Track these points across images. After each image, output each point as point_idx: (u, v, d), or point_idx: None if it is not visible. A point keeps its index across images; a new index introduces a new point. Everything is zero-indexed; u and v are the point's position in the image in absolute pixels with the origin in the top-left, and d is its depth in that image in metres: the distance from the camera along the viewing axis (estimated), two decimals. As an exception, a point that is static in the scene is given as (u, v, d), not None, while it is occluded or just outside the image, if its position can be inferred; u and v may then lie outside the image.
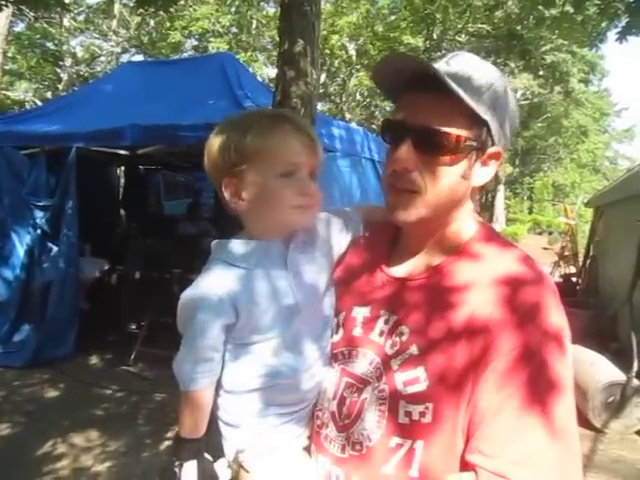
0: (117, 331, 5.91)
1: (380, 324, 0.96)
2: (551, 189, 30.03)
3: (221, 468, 1.04)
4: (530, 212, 29.35)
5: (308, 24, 3.00)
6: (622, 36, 2.99)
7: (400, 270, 1.00)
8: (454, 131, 0.88)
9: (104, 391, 4.59)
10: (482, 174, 0.94)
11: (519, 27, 11.20)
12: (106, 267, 6.58)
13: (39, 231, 5.35)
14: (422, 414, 0.86)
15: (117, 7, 15.58)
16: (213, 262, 1.00)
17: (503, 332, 0.82)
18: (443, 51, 14.37)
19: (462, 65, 0.91)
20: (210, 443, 1.06)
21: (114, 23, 15.86)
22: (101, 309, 6.07)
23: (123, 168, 9.12)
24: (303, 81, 3.00)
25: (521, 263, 0.90)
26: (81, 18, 16.22)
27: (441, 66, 0.91)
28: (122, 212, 9.30)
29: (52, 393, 4.51)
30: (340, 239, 1.10)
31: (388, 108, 17.91)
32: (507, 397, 0.80)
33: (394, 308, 0.96)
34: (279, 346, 0.98)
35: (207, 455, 1.03)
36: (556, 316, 0.85)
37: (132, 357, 5.26)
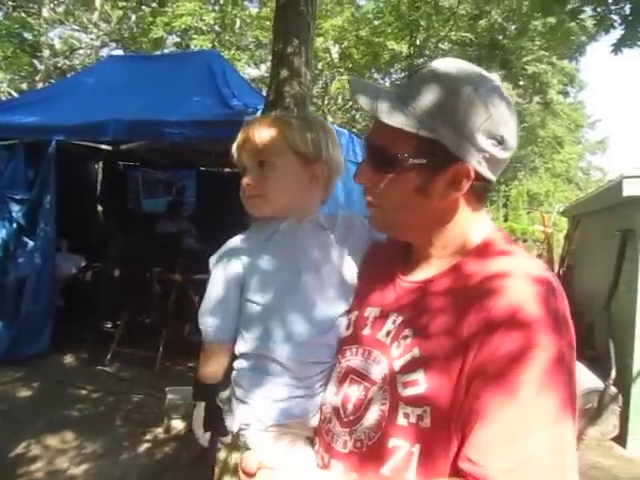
0: (92, 330, 5.79)
1: (388, 325, 0.97)
2: (526, 197, 30.52)
3: (229, 420, 1.13)
4: (505, 220, 29.74)
5: (304, 24, 2.96)
6: (617, 48, 3.04)
7: (413, 275, 1.00)
8: (395, 151, 0.90)
9: (79, 391, 4.48)
10: (449, 191, 0.91)
11: (501, 37, 11.37)
12: (82, 264, 6.45)
13: (15, 225, 5.22)
14: (420, 417, 0.85)
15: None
16: (237, 236, 1.15)
17: (544, 330, 0.80)
18: (425, 58, 14.49)
19: (424, 78, 0.91)
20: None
21: (95, 16, 15.56)
22: (76, 307, 5.94)
23: (101, 163, 8.95)
24: (297, 81, 2.96)
25: (548, 270, 0.89)
26: (61, 9, 15.88)
27: (399, 83, 0.92)
28: (99, 208, 9.13)
29: (25, 392, 4.39)
30: (362, 241, 1.15)
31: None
32: (535, 392, 0.77)
33: (403, 310, 0.96)
34: (282, 313, 1.06)
35: (219, 403, 1.15)
36: (573, 330, 0.86)
37: (108, 357, 5.16)
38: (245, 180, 1.11)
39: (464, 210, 0.95)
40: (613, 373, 4.26)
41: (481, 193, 0.95)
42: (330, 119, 17.03)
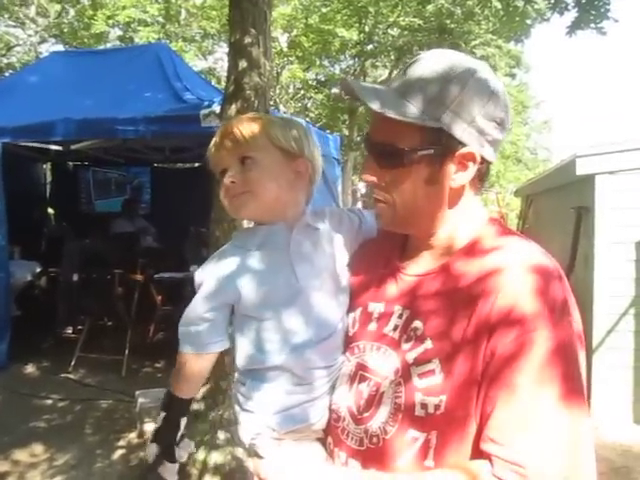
0: (53, 337, 5.60)
1: (394, 319, 0.98)
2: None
3: (184, 444, 1.12)
4: (459, 202, 30.23)
5: (260, 13, 2.91)
6: (572, 30, 3.13)
7: (414, 267, 1.01)
8: (402, 144, 0.90)
9: (45, 401, 4.33)
10: (458, 177, 0.93)
11: (449, 21, 11.50)
12: (38, 270, 6.22)
13: (-37, 234, 4.97)
14: (437, 407, 0.86)
15: (35, -7, 14.66)
16: (224, 246, 1.11)
17: (540, 324, 0.81)
18: (375, 44, 14.53)
19: (418, 71, 0.92)
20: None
21: (32, 10, 14.91)
22: (34, 314, 5.72)
23: (50, 164, 8.63)
24: (256, 72, 2.92)
25: (545, 256, 0.90)
26: (-6, 4, 15.14)
27: (398, 77, 0.95)
28: (50, 211, 8.81)
29: (-13, 407, 4.20)
30: (351, 236, 1.14)
31: (320, 98, 17.98)
32: (535, 387, 0.80)
33: (408, 303, 0.97)
34: (284, 323, 1.03)
35: (181, 423, 1.11)
36: (578, 315, 0.87)
37: (72, 363, 5.01)
38: (228, 179, 1.05)
39: (468, 193, 0.97)
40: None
41: (483, 175, 0.97)
42: (282, 109, 16.94)
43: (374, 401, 0.95)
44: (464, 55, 0.97)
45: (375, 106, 0.89)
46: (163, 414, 1.11)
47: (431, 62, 0.92)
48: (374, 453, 0.93)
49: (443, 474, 0.84)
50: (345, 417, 1.00)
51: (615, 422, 4.14)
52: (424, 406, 0.87)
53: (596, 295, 4.39)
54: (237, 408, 1.08)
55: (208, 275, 1.05)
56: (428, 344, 0.90)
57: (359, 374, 1.00)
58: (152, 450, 1.10)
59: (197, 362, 1.09)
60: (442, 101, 0.89)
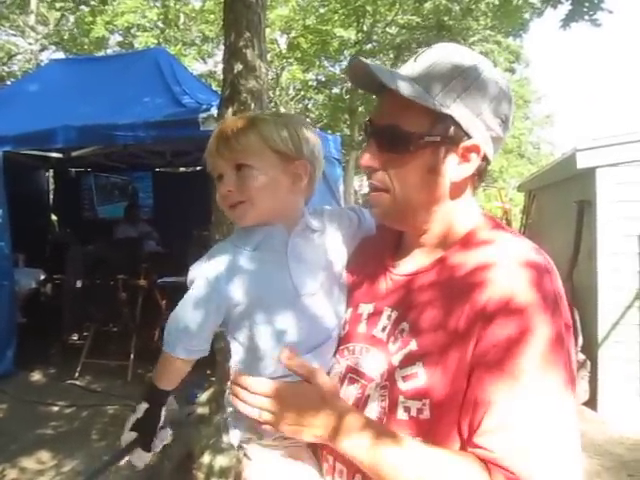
0: (58, 344, 5.61)
1: (383, 321, 0.96)
2: (481, 175, 31.02)
3: (161, 435, 1.09)
4: (462, 198, 30.10)
5: (254, 15, 2.91)
6: (565, 23, 3.13)
7: (404, 267, 0.99)
8: (410, 128, 0.89)
9: (51, 408, 4.35)
10: (460, 169, 0.91)
11: (447, 18, 11.49)
12: (42, 277, 6.25)
13: (-33, 243, 5.00)
14: (420, 410, 0.85)
15: (34, 1, 14.69)
16: (220, 243, 1.08)
17: (537, 314, 0.80)
18: (374, 43, 14.51)
19: (428, 59, 0.91)
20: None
21: (32, 18, 14.98)
22: (39, 321, 5.75)
23: (52, 172, 8.66)
24: (252, 75, 2.92)
25: (537, 251, 0.89)
26: (-7, 14, 15.22)
27: (408, 64, 0.93)
28: (54, 218, 8.85)
29: (-6, 415, 4.23)
30: (350, 236, 1.11)
31: (321, 99, 17.97)
32: (539, 374, 0.78)
33: (397, 304, 0.95)
34: (278, 328, 0.99)
35: (163, 412, 1.08)
36: (566, 306, 0.86)
37: (78, 370, 5.03)
38: (224, 187, 1.01)
39: (467, 191, 0.95)
40: (580, 341, 4.40)
41: (482, 173, 0.95)
42: (283, 110, 16.94)
43: (360, 404, 0.93)
44: (472, 51, 0.96)
45: (393, 85, 0.87)
46: (145, 405, 1.08)
47: (443, 52, 0.92)
48: None
49: (461, 460, 0.80)
50: None
51: (622, 416, 4.13)
52: (407, 409, 0.86)
53: (600, 288, 4.38)
54: (229, 411, 1.07)
55: (201, 275, 1.02)
56: (413, 345, 0.88)
57: (348, 376, 0.98)
58: (128, 437, 1.07)
59: (181, 364, 1.06)
60: (453, 90, 0.88)
